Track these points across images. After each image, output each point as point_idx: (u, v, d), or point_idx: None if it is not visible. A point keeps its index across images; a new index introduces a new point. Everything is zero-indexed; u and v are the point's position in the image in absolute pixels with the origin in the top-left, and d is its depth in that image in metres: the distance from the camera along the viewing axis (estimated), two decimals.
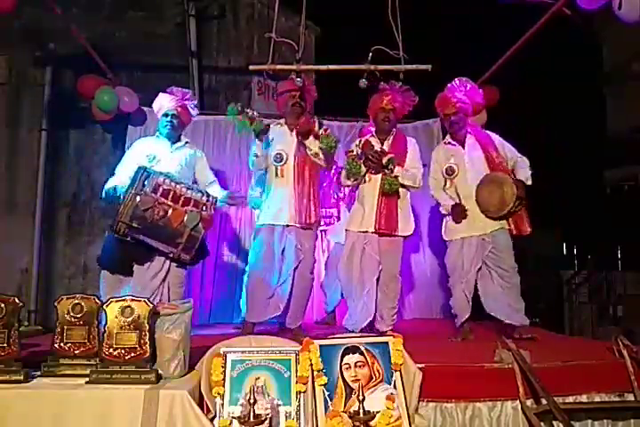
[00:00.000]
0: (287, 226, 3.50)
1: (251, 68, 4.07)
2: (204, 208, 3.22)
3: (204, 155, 3.74)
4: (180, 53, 5.55)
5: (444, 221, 3.74)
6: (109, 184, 3.39)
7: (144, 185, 3.09)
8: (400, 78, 3.83)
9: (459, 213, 3.55)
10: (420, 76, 3.87)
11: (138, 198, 3.06)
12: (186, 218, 3.13)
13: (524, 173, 3.53)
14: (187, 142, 3.64)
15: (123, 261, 3.26)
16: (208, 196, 3.31)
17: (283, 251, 3.53)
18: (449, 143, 3.72)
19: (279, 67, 3.92)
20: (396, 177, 3.49)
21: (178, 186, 3.19)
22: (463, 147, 3.65)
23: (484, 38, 5.40)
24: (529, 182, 3.50)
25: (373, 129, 3.73)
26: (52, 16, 3.95)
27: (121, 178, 3.38)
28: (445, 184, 3.66)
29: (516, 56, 4.38)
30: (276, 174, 3.55)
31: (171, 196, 3.13)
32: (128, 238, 3.12)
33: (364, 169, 3.52)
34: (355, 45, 3.94)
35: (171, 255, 3.23)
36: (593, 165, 6.53)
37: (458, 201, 3.61)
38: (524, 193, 3.41)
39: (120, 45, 5.28)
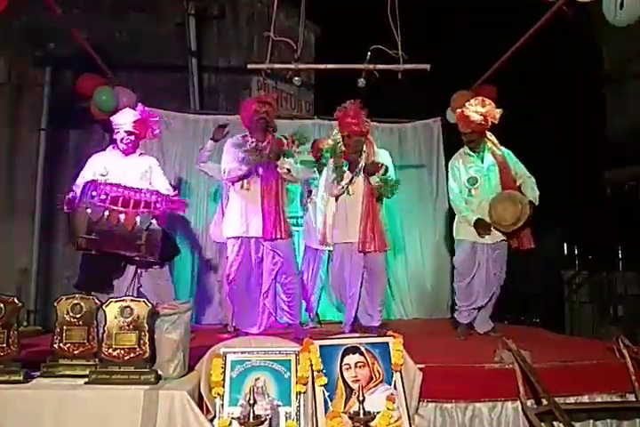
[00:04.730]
0: (258, 238, 3.53)
1: (249, 66, 4.06)
2: (157, 206, 3.29)
3: (157, 163, 3.75)
4: (180, 53, 5.55)
5: (456, 219, 3.84)
6: None
7: (92, 197, 3.18)
8: (398, 78, 3.84)
9: (484, 229, 3.65)
10: (419, 75, 3.88)
11: (88, 210, 3.14)
12: (138, 220, 3.21)
13: (533, 194, 3.66)
14: (140, 153, 3.69)
15: (101, 278, 3.36)
16: (158, 194, 3.37)
17: (261, 260, 3.56)
18: (468, 154, 3.80)
19: (277, 66, 3.92)
20: (397, 182, 3.57)
21: (126, 191, 3.27)
22: (482, 160, 3.76)
23: (484, 38, 5.39)
24: (536, 203, 3.65)
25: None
26: (51, 16, 3.94)
27: None
28: (471, 193, 3.74)
29: (516, 56, 4.37)
30: (242, 186, 3.57)
31: (120, 201, 3.21)
32: (93, 251, 3.21)
33: (346, 178, 3.58)
34: (354, 44, 3.94)
35: (137, 259, 3.33)
36: (593, 166, 6.52)
37: (475, 212, 3.69)
38: (533, 213, 3.58)
39: (120, 45, 5.28)
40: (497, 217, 3.62)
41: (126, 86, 4.84)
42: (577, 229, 6.30)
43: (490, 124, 3.71)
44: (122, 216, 3.19)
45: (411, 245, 5.31)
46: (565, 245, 6.61)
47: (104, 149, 3.73)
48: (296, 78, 3.90)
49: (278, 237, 3.50)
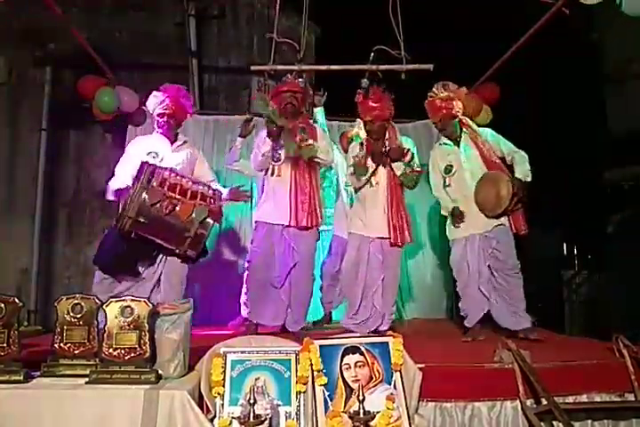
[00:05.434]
0: (285, 226, 3.48)
1: (252, 68, 4.06)
2: (212, 201, 3.17)
3: (201, 153, 3.70)
4: (180, 53, 5.55)
5: (449, 220, 3.77)
6: (115, 184, 3.30)
7: (150, 179, 3.01)
8: (402, 78, 3.83)
9: (455, 217, 3.58)
10: (420, 75, 3.87)
11: (145, 193, 2.98)
12: (194, 212, 3.06)
13: (523, 170, 3.46)
14: (185, 141, 3.59)
15: (122, 259, 3.15)
16: (213, 189, 3.28)
17: (281, 253, 3.51)
18: (444, 144, 3.76)
19: (280, 67, 3.91)
20: (418, 172, 3.51)
21: (184, 180, 3.14)
22: (458, 146, 3.69)
23: (484, 38, 5.39)
24: (528, 179, 3.45)
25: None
26: (51, 16, 3.94)
27: (124, 177, 3.29)
28: (445, 182, 3.68)
29: (516, 56, 4.38)
30: (273, 173, 3.53)
31: (178, 190, 3.06)
32: (132, 235, 3.03)
33: (370, 169, 3.51)
34: (355, 45, 3.93)
35: (177, 252, 3.15)
36: (593, 165, 6.53)
37: (458, 200, 3.63)
38: (521, 191, 3.40)
39: (120, 45, 5.29)
40: (480, 201, 3.51)
41: (126, 86, 4.84)
42: (576, 229, 6.31)
43: (457, 108, 3.63)
44: (179, 205, 3.04)
45: (410, 244, 5.30)
46: (565, 245, 6.62)
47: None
48: (300, 80, 3.90)
49: (305, 224, 3.41)
